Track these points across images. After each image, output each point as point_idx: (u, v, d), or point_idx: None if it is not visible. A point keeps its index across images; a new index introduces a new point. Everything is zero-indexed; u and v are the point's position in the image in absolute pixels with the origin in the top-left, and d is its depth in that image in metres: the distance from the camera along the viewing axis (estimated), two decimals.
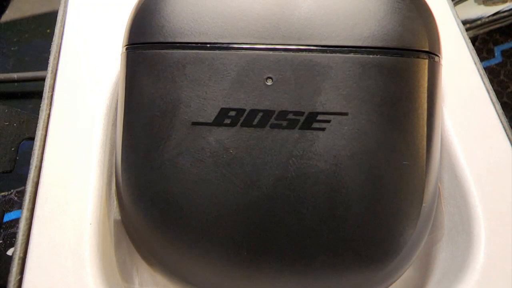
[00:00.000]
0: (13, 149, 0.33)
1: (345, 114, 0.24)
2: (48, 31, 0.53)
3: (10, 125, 0.34)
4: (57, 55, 0.32)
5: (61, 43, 0.33)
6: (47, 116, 0.30)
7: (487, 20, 0.52)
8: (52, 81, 0.31)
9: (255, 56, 0.25)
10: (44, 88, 0.31)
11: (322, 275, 0.24)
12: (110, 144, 0.30)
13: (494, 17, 0.52)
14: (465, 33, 0.35)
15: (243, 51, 0.25)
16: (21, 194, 0.43)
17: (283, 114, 0.24)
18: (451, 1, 0.37)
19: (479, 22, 0.53)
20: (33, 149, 0.28)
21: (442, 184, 0.30)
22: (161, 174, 0.25)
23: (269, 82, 0.25)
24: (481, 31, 0.55)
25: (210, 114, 0.25)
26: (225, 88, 0.25)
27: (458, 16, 0.36)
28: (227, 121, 0.25)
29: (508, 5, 0.51)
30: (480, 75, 0.32)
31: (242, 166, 0.24)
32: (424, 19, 0.26)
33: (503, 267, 0.26)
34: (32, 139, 0.30)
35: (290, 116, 0.24)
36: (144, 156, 0.25)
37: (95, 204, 0.27)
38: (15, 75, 0.46)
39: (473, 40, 0.56)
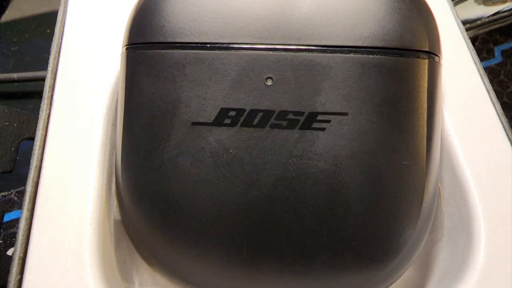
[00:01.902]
0: (13, 149, 0.33)
1: (345, 114, 0.24)
2: (48, 31, 0.53)
3: (10, 125, 0.34)
4: (57, 55, 0.32)
5: (61, 43, 0.33)
6: (47, 116, 0.30)
7: (487, 20, 0.52)
8: (52, 81, 0.31)
9: (255, 56, 0.25)
10: (44, 88, 0.31)
11: (322, 275, 0.24)
12: (110, 144, 0.30)
13: (494, 17, 0.52)
14: (465, 33, 0.35)
15: (243, 51, 0.25)
16: (21, 194, 0.43)
17: (283, 114, 0.24)
18: (451, 1, 0.37)
19: (479, 22, 0.53)
20: (33, 149, 0.28)
21: (442, 184, 0.30)
22: (161, 174, 0.25)
23: (269, 82, 0.25)
24: (481, 31, 0.55)
25: (210, 114, 0.25)
26: (225, 88, 0.25)
27: (458, 16, 0.36)
28: (227, 121, 0.25)
29: (508, 5, 0.51)
30: (480, 75, 0.32)
31: (242, 166, 0.24)
32: (424, 19, 0.26)
33: (503, 267, 0.26)
34: (32, 139, 0.30)
35: (290, 116, 0.24)
36: (144, 156, 0.25)
37: (95, 204, 0.27)
38: (15, 75, 0.46)
39: (473, 40, 0.56)
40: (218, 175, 0.24)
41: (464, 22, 0.50)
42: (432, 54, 0.26)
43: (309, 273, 0.24)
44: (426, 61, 0.26)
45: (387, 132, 0.24)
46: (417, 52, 0.26)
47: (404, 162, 0.25)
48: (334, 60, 0.25)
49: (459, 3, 0.54)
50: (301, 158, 0.24)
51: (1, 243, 0.40)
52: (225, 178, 0.24)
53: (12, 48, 0.51)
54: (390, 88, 0.25)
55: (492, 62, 0.55)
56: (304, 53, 0.25)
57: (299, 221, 0.24)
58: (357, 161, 0.24)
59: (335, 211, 0.24)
